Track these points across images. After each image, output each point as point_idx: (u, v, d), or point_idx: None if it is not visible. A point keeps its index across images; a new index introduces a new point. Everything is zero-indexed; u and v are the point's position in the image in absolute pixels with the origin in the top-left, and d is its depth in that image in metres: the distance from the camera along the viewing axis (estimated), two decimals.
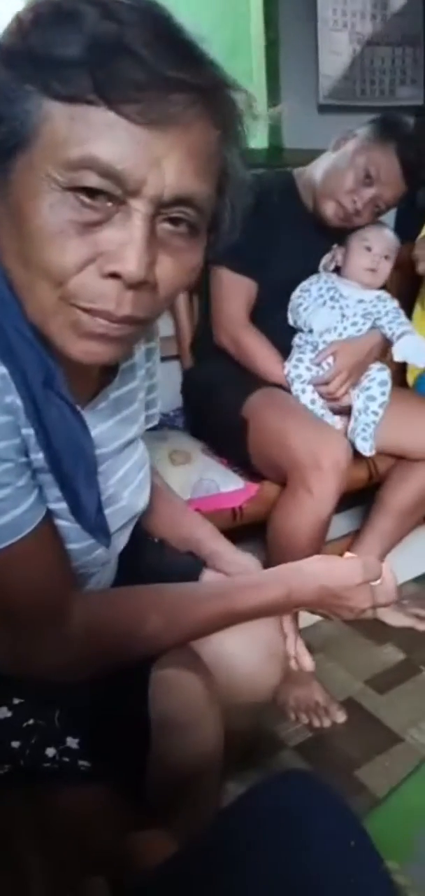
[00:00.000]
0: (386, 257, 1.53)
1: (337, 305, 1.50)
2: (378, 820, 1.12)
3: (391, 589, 0.78)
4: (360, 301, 1.50)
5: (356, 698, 1.44)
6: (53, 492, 0.61)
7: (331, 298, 1.50)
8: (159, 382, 0.88)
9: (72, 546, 0.66)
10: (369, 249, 1.50)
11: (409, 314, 2.03)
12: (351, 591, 0.75)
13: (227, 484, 1.43)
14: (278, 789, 0.58)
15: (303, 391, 1.45)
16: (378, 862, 0.54)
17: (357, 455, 1.46)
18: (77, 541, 0.66)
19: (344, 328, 1.49)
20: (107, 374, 0.71)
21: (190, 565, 0.89)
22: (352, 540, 1.69)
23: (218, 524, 0.97)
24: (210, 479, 1.43)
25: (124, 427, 0.74)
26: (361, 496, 1.70)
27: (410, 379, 2.00)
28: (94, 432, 0.67)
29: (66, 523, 0.64)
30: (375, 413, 1.46)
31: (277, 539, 1.36)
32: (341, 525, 1.79)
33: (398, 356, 1.47)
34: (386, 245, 1.52)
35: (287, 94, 1.99)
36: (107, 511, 0.69)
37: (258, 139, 1.98)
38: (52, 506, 0.62)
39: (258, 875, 0.51)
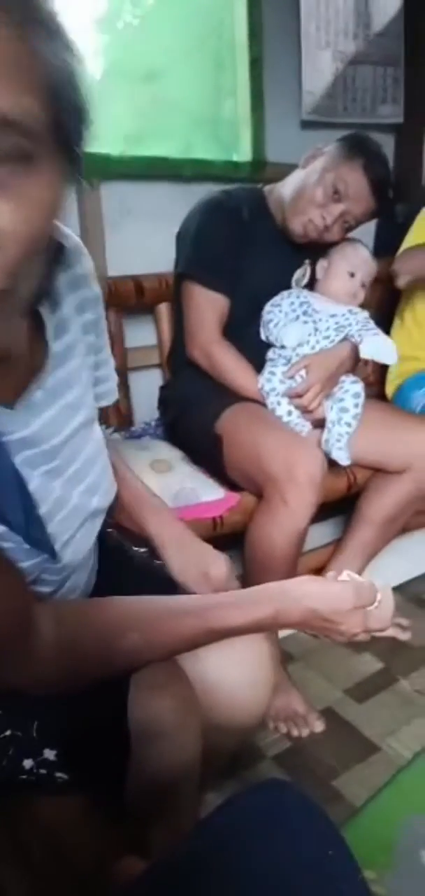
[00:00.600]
0: (363, 285, 1.56)
1: (310, 320, 1.52)
2: (355, 829, 1.13)
3: (386, 615, 0.74)
4: (333, 315, 1.53)
5: (335, 707, 1.44)
6: None
7: (304, 313, 1.52)
8: (108, 360, 0.82)
9: (23, 564, 0.62)
10: (353, 275, 1.53)
11: (388, 328, 2.07)
12: (342, 616, 0.71)
13: (208, 493, 1.44)
14: (256, 799, 0.58)
15: (279, 404, 1.46)
16: (355, 871, 0.54)
17: (335, 465, 1.49)
18: (26, 559, 0.63)
19: (317, 341, 1.51)
20: (37, 361, 0.66)
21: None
22: (334, 549, 1.70)
23: (198, 533, 0.97)
24: (190, 488, 1.44)
25: (69, 413, 0.69)
26: (342, 505, 1.72)
27: (389, 391, 2.03)
28: (34, 427, 0.63)
29: (8, 544, 0.60)
30: (348, 424, 1.47)
31: (254, 551, 1.37)
32: (323, 534, 1.81)
33: (364, 353, 1.49)
34: (368, 273, 1.56)
35: (270, 109, 2.02)
36: (57, 517, 0.67)
37: (242, 152, 2.02)
38: None
39: (236, 883, 0.52)
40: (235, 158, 2.01)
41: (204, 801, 0.90)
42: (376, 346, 1.49)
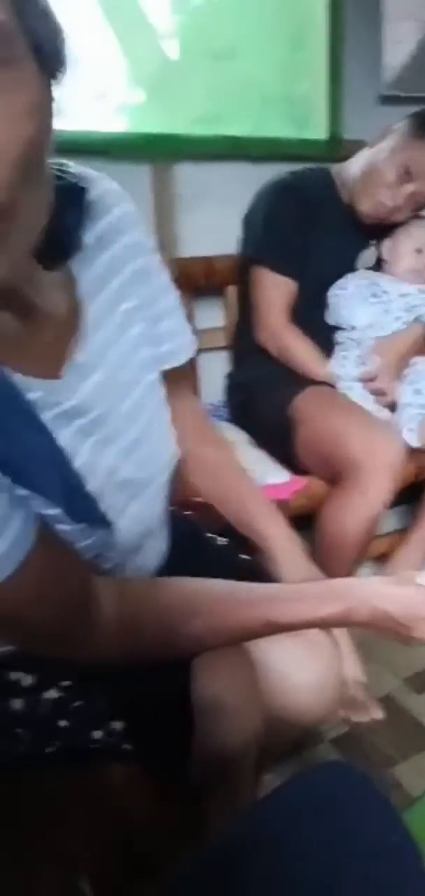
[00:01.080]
0: None
1: (379, 301, 1.49)
2: (412, 819, 1.13)
3: None
4: (403, 295, 1.49)
5: (394, 696, 1.44)
6: (35, 500, 0.54)
7: (373, 295, 1.49)
8: (180, 328, 0.77)
9: (80, 543, 0.62)
10: (420, 252, 1.48)
11: None
12: (416, 622, 0.68)
13: (274, 476, 1.44)
14: (318, 779, 0.58)
15: (351, 388, 1.45)
16: (418, 857, 0.53)
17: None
18: (82, 537, 0.62)
19: (388, 323, 1.48)
20: (76, 324, 0.62)
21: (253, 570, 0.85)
22: (398, 539, 1.68)
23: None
24: (256, 470, 1.44)
25: (119, 375, 0.66)
26: (408, 493, 1.69)
27: None
28: (80, 394, 0.61)
29: (61, 526, 0.59)
30: (422, 406, 1.44)
31: (325, 535, 1.37)
32: (386, 522, 1.79)
33: None
34: None
35: (348, 84, 1.96)
36: (110, 489, 0.65)
37: (317, 130, 1.97)
38: (44, 512, 0.56)
39: (295, 864, 0.52)
40: (310, 136, 1.97)
41: (262, 783, 0.92)
42: None
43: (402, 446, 1.35)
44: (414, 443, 1.44)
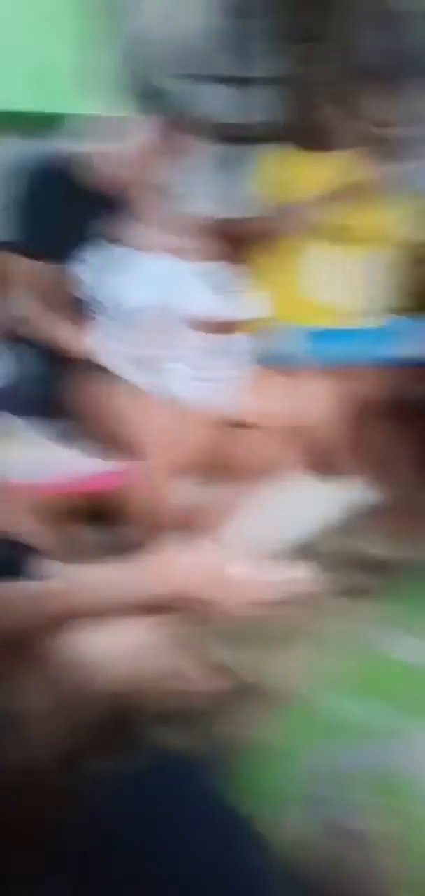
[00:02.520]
0: (184, 233, 1.55)
1: (133, 274, 1.50)
2: (249, 770, 1.14)
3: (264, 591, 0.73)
4: (155, 266, 1.52)
5: (224, 657, 1.43)
6: None
7: (126, 269, 1.49)
8: None
9: None
10: (163, 227, 1.51)
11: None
12: (212, 586, 0.69)
13: (90, 466, 1.40)
14: (142, 778, 0.60)
15: (119, 364, 1.45)
16: (251, 844, 0.57)
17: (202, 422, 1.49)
18: None
19: (144, 295, 1.49)
20: None
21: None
22: None
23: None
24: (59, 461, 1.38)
25: None
26: None
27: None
28: None
29: None
30: (194, 375, 1.49)
31: (124, 515, 1.36)
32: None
33: (194, 309, 1.51)
34: (186, 223, 1.55)
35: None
36: None
37: (84, 105, 1.91)
38: None
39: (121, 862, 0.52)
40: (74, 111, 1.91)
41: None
42: (204, 297, 1.52)
43: (178, 412, 1.38)
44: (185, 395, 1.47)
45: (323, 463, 1.99)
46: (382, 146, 1.75)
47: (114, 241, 1.54)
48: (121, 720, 1.02)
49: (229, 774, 1.12)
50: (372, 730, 1.23)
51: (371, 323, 2.02)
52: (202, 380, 1.47)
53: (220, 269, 1.56)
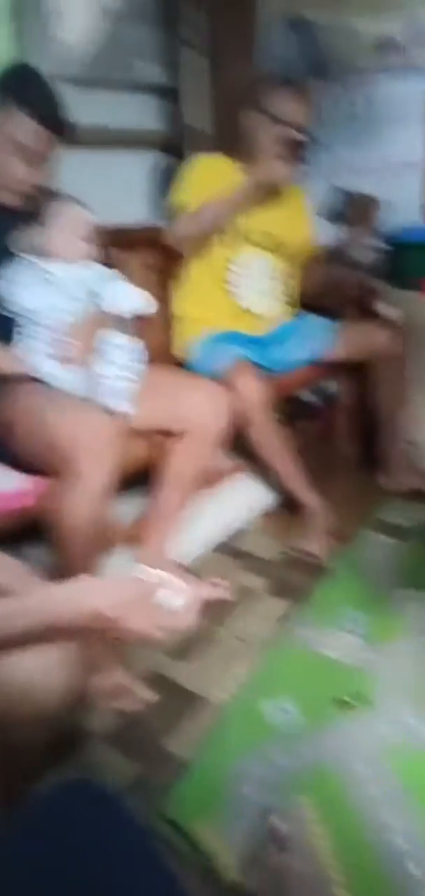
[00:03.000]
0: (86, 239, 1.53)
1: (50, 284, 1.47)
2: (187, 785, 1.16)
3: (184, 610, 0.71)
4: (71, 273, 1.50)
5: (160, 671, 1.46)
6: None
7: (43, 279, 1.47)
8: None
9: None
10: (73, 232, 1.49)
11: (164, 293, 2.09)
12: (126, 610, 0.67)
13: (10, 483, 1.36)
14: (60, 802, 0.58)
15: (51, 376, 1.42)
16: (154, 856, 0.55)
17: (134, 433, 1.50)
18: None
19: (65, 303, 1.47)
20: None
21: None
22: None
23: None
24: None
25: None
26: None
27: (181, 355, 2.08)
28: None
29: None
30: (118, 376, 1.48)
31: (59, 533, 1.32)
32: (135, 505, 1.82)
33: (107, 306, 1.49)
34: (86, 226, 1.52)
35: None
36: None
37: None
38: None
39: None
40: None
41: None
42: (117, 295, 1.49)
43: (109, 422, 1.36)
44: (122, 409, 1.46)
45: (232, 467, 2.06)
46: (295, 148, 1.80)
47: (26, 251, 1.51)
48: (50, 742, 1.02)
49: (165, 790, 1.15)
50: (303, 727, 1.27)
51: (282, 325, 2.11)
52: (124, 383, 1.47)
53: (115, 271, 1.56)
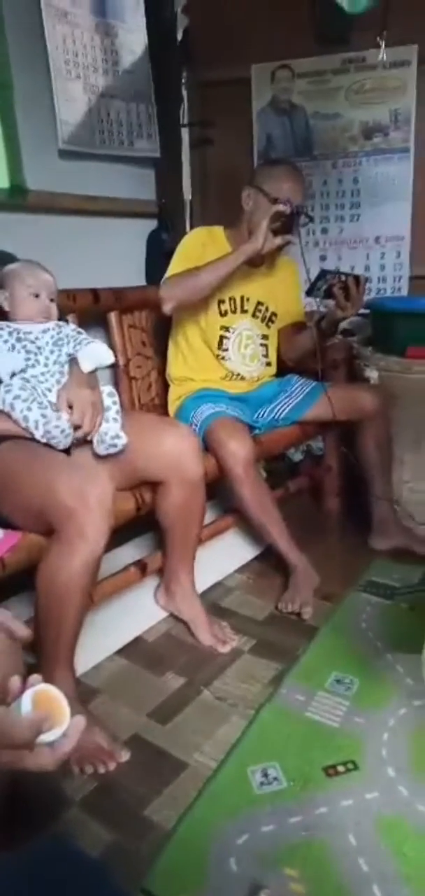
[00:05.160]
0: (52, 299, 1.57)
1: (26, 343, 1.49)
2: (169, 854, 1.10)
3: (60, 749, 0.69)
4: (45, 331, 1.53)
5: (141, 734, 1.41)
6: None
7: (18, 340, 1.49)
8: None
9: None
10: (37, 296, 1.53)
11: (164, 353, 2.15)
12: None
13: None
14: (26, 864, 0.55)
15: (49, 434, 1.40)
16: None
17: (121, 486, 1.51)
18: None
19: (46, 359, 1.50)
20: None
21: None
22: (125, 576, 1.70)
23: None
24: None
25: None
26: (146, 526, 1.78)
27: (171, 412, 2.09)
28: None
29: None
30: (115, 419, 1.51)
31: (48, 587, 1.30)
32: (125, 557, 1.80)
33: (86, 366, 1.51)
34: (50, 288, 1.56)
35: (28, 137, 1.97)
36: None
37: None
38: None
39: None
40: None
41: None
42: (94, 354, 1.54)
43: (111, 483, 1.36)
44: (122, 444, 1.49)
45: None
46: (288, 224, 1.87)
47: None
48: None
49: (144, 860, 1.09)
50: (291, 794, 1.21)
51: (269, 385, 2.14)
52: (117, 426, 1.49)
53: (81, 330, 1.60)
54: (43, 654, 1.34)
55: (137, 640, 1.74)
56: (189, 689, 1.55)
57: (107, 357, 1.57)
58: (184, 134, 2.52)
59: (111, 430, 1.49)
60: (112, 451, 1.49)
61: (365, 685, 1.51)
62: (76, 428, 1.44)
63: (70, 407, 1.44)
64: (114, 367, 2.12)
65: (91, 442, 1.49)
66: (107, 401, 1.53)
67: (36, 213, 2.00)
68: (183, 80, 2.49)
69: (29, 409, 1.39)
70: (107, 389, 1.56)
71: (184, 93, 2.50)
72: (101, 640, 1.67)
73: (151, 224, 2.49)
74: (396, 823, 1.14)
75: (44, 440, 1.40)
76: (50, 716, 0.70)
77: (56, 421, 1.40)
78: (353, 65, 2.47)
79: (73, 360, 1.52)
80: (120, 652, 1.69)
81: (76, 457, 1.47)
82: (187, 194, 2.59)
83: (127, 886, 1.02)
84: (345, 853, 1.08)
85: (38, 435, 1.39)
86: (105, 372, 1.84)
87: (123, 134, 2.29)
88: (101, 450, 1.49)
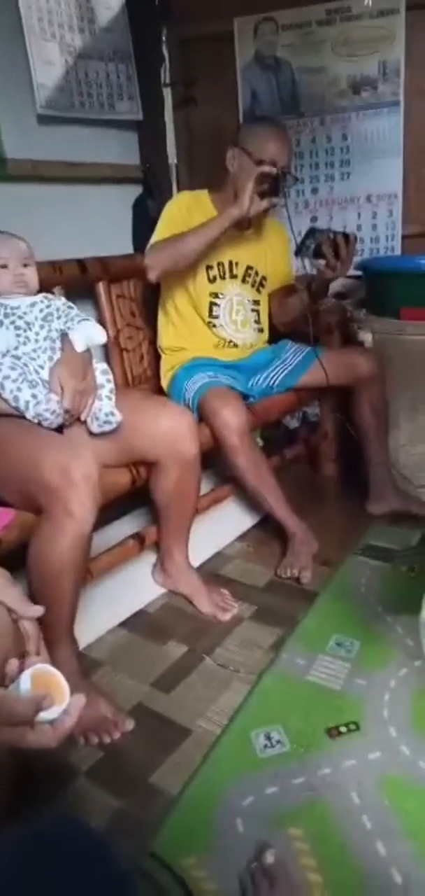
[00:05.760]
0: (26, 265, 1.52)
1: (14, 318, 1.46)
2: (175, 819, 1.11)
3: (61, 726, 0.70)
4: (33, 304, 1.50)
5: (144, 703, 1.42)
6: None
7: (5, 316, 1.46)
8: None
9: None
10: (5, 267, 1.48)
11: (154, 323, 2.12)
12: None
13: None
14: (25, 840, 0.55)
15: (39, 415, 1.39)
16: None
17: (115, 464, 1.52)
18: None
19: (36, 335, 1.47)
20: None
21: None
22: (122, 551, 1.70)
23: None
24: None
25: None
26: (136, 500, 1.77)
27: (164, 384, 2.07)
28: None
29: None
30: (108, 397, 1.50)
31: (41, 566, 1.30)
32: (123, 531, 1.80)
33: (79, 345, 1.48)
34: (21, 254, 1.51)
35: (1, 102, 1.91)
36: None
37: None
38: None
39: None
40: None
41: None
42: (86, 333, 1.51)
43: (95, 458, 1.34)
44: (114, 424, 1.49)
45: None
46: (275, 185, 1.83)
47: None
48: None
49: (150, 826, 1.10)
50: (294, 756, 1.22)
51: (263, 352, 2.12)
52: (111, 404, 1.49)
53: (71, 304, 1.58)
54: (42, 629, 1.34)
55: (139, 613, 1.75)
56: (191, 658, 1.56)
57: (100, 336, 1.54)
58: (167, 94, 2.44)
59: (105, 408, 1.48)
60: (106, 428, 1.49)
61: (366, 647, 1.52)
62: (67, 410, 1.43)
63: (62, 387, 1.42)
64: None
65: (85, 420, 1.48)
66: (101, 378, 1.52)
67: (16, 183, 1.94)
68: (163, 38, 2.41)
69: (19, 389, 1.38)
70: (101, 367, 1.54)
71: (165, 51, 2.41)
72: (103, 614, 1.68)
73: (137, 190, 2.44)
74: (398, 781, 1.16)
75: (35, 421, 1.39)
76: (49, 694, 0.70)
77: (46, 403, 1.39)
78: (339, 15, 2.39)
79: (64, 336, 1.50)
80: (122, 624, 1.70)
81: (67, 434, 1.46)
82: (172, 157, 2.52)
83: (134, 852, 1.05)
84: (349, 812, 1.10)
85: (28, 415, 1.38)
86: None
87: (103, 96, 2.22)
88: (95, 427, 1.48)
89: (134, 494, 1.68)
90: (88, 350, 1.51)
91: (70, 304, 1.58)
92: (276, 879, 0.96)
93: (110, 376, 1.54)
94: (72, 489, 1.25)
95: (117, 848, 0.60)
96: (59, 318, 1.52)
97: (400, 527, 2.07)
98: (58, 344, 1.48)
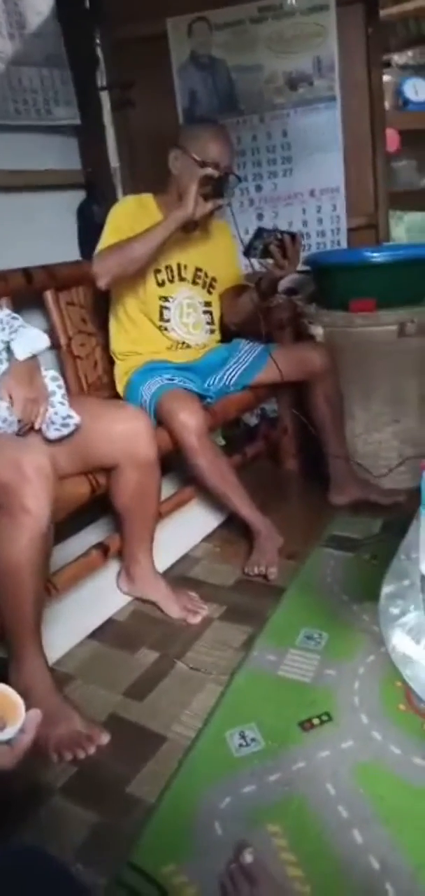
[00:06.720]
0: None
1: None
2: (154, 828, 1.11)
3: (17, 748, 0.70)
4: None
5: (118, 712, 1.41)
6: None
7: None
8: None
9: None
10: None
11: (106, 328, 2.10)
12: None
13: None
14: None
15: None
16: None
17: (73, 473, 1.51)
18: None
19: None
20: None
21: None
22: (88, 561, 1.68)
23: None
24: None
25: None
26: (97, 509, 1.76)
27: (120, 389, 2.06)
28: None
29: None
30: (61, 402, 1.48)
31: (0, 568, 1.28)
32: (85, 542, 1.77)
33: (21, 354, 1.45)
34: None
35: None
36: None
37: None
38: None
39: None
40: None
41: None
42: (27, 341, 1.47)
43: (48, 454, 1.33)
44: (72, 426, 1.48)
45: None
46: (218, 186, 1.83)
47: None
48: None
49: (129, 837, 1.09)
50: (269, 753, 1.23)
51: (216, 352, 2.13)
52: (64, 409, 1.47)
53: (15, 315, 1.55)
54: (10, 644, 1.33)
55: (108, 622, 1.73)
56: (163, 663, 1.55)
57: (41, 342, 1.51)
58: (104, 98, 2.42)
59: (61, 412, 1.47)
60: (65, 431, 1.47)
61: (334, 638, 1.54)
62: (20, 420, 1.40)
63: (10, 397, 1.40)
64: (56, 348, 2.07)
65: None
66: (52, 385, 1.49)
67: None
68: (97, 41, 2.38)
69: None
70: (50, 374, 1.52)
71: (100, 53, 2.39)
72: (71, 627, 1.65)
73: (80, 196, 2.40)
74: (372, 768, 1.18)
75: None
76: (2, 715, 0.69)
77: None
78: (271, 12, 2.41)
79: (9, 348, 1.47)
80: (91, 636, 1.68)
81: (27, 440, 1.43)
82: (114, 161, 2.50)
83: (114, 864, 1.04)
84: (325, 803, 1.12)
85: None
86: (48, 354, 1.79)
87: (39, 102, 2.18)
88: (52, 433, 1.46)
89: (94, 505, 1.66)
90: (35, 357, 1.49)
91: (14, 314, 1.55)
92: (256, 878, 0.97)
93: (61, 381, 1.52)
94: (25, 483, 1.24)
95: (96, 862, 0.60)
96: (2, 329, 1.48)
97: (362, 516, 2.11)
98: (4, 356, 1.46)
